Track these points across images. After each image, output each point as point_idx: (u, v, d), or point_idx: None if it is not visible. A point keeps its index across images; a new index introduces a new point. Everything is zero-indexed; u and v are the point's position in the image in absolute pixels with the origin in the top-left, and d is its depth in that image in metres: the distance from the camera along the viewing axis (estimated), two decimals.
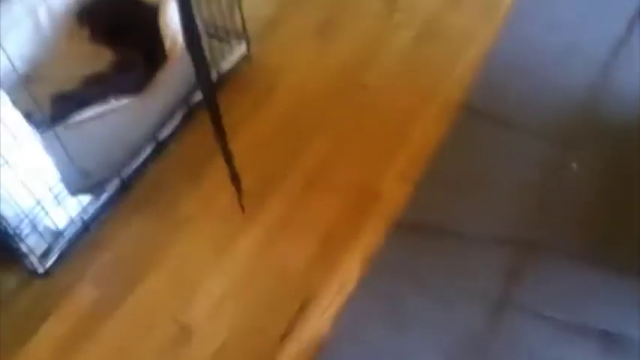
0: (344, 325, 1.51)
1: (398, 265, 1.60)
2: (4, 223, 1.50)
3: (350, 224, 1.68)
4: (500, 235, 1.65)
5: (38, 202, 1.56)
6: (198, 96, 1.94)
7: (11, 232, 1.53)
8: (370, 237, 1.65)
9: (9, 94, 1.47)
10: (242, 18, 2.02)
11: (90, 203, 1.72)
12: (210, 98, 1.57)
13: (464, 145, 1.85)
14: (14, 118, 1.48)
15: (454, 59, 2.05)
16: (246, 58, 2.09)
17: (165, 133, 1.89)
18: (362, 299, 1.55)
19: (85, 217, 1.71)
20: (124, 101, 1.75)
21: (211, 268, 1.66)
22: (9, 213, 1.51)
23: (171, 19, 1.91)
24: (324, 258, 1.63)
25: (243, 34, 2.06)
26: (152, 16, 1.95)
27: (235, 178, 1.67)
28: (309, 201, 1.76)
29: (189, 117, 1.93)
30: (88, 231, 1.72)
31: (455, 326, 1.51)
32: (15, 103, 1.47)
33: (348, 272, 1.60)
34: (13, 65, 1.48)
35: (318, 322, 1.53)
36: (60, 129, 1.61)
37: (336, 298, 1.56)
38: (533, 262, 1.60)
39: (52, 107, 1.78)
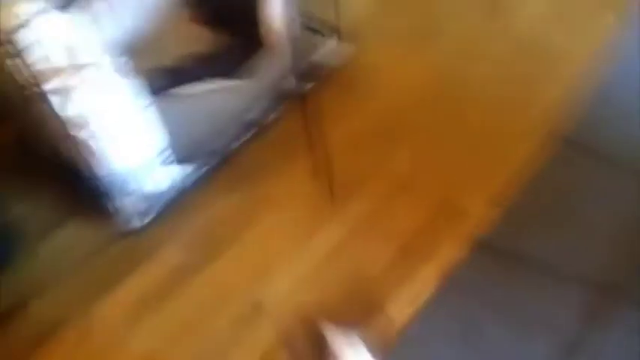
0: (411, 339, 1.51)
1: (475, 288, 1.58)
2: (112, 178, 1.60)
3: (431, 237, 1.68)
4: (585, 274, 1.59)
5: (145, 164, 1.64)
6: (289, 85, 1.97)
7: (117, 186, 1.62)
8: (449, 253, 1.64)
9: None
10: (337, 13, 2.01)
11: (190, 172, 1.80)
12: (301, 88, 1.60)
13: (560, 176, 1.78)
14: (125, 85, 1.56)
15: (552, 77, 1.99)
16: (340, 54, 2.08)
17: (263, 115, 1.93)
18: (434, 316, 1.54)
19: (183, 185, 1.79)
20: (225, 82, 1.80)
21: (289, 253, 1.71)
22: (119, 169, 1.60)
23: (270, 7, 1.94)
24: (399, 267, 1.63)
25: (338, 30, 2.05)
26: (252, 3, 1.99)
27: (326, 170, 1.71)
28: (393, 206, 1.76)
29: (284, 103, 1.96)
30: (184, 197, 1.81)
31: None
32: None
33: (423, 286, 1.60)
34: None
35: (384, 331, 1.54)
36: (165, 100, 1.68)
37: (406, 309, 1.56)
38: (614, 309, 1.53)
39: (156, 80, 1.86)
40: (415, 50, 2.12)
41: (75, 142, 1.46)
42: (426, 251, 1.65)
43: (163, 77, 1.84)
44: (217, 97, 1.78)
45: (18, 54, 1.21)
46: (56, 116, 1.39)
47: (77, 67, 1.40)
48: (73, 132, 1.44)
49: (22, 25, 1.20)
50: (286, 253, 1.71)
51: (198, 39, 2.04)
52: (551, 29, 2.11)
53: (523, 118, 1.90)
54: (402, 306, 1.57)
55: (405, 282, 1.60)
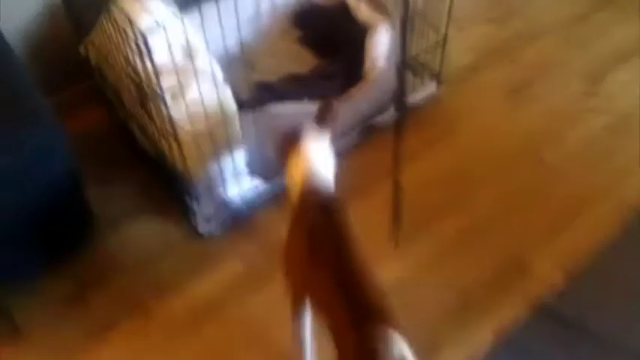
0: None
1: (531, 351, 1.57)
2: (189, 183, 1.66)
3: (493, 290, 1.68)
4: None
5: (222, 172, 1.70)
6: (378, 119, 2.02)
7: (192, 191, 1.68)
8: (510, 311, 1.64)
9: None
10: (442, 59, 2.08)
11: (261, 186, 1.85)
12: (400, 125, 1.64)
13: (633, 251, 1.78)
14: (225, 94, 1.63)
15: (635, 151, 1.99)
16: (434, 97, 2.14)
17: (343, 144, 1.98)
18: None
19: (252, 198, 1.84)
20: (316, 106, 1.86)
21: None
22: (197, 175, 1.66)
23: (378, 43, 2.02)
24: (456, 316, 1.64)
25: (438, 75, 2.12)
26: (360, 35, 2.06)
27: (398, 209, 1.74)
28: (457, 253, 1.78)
29: (366, 136, 2.02)
30: (251, 211, 1.85)
31: None
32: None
33: (478, 338, 1.60)
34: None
35: None
36: (258, 114, 1.75)
37: None
38: None
39: (254, 93, 1.93)
40: (506, 104, 2.16)
41: (176, 141, 1.53)
42: (486, 304, 1.65)
43: (261, 92, 1.91)
44: (307, 120, 1.84)
45: (146, 53, 1.29)
46: (167, 114, 1.46)
47: (192, 71, 1.48)
48: (177, 130, 1.51)
49: (155, 28, 1.28)
50: None
51: (301, 60, 2.12)
52: None
53: (605, 192, 1.91)
54: (455, 357, 1.56)
55: (461, 332, 1.60)
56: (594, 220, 1.84)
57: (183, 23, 1.42)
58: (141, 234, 1.83)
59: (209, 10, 1.58)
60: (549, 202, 1.88)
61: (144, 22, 1.32)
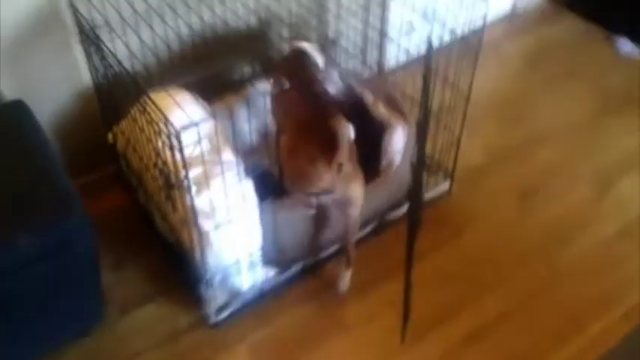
0: None
1: None
2: (203, 269, 1.70)
3: None
4: None
5: (237, 261, 1.75)
6: (391, 215, 2.08)
7: (206, 278, 1.72)
8: None
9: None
10: (455, 159, 2.16)
11: (272, 276, 1.88)
12: (414, 223, 1.70)
13: (634, 358, 1.78)
14: (247, 185, 1.71)
15: None
16: (445, 195, 2.21)
17: (358, 238, 2.03)
18: None
19: (264, 288, 1.88)
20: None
21: None
22: (212, 261, 1.70)
23: (395, 141, 2.10)
24: None
25: (452, 174, 2.19)
26: (376, 132, 2.15)
27: (408, 307, 1.75)
28: (464, 354, 1.78)
29: (378, 231, 2.07)
30: (262, 300, 1.88)
31: None
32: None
33: None
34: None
35: None
36: (276, 205, 1.81)
37: None
38: None
39: (263, 184, 1.99)
40: (516, 206, 2.21)
41: (195, 230, 1.59)
42: None
43: (274, 183, 1.99)
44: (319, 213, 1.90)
45: (178, 148, 1.38)
46: (191, 204, 1.53)
47: (217, 163, 1.56)
48: (198, 220, 1.57)
49: (190, 126, 1.37)
50: None
51: None
52: None
53: (614, 299, 1.93)
54: None
55: None
56: (603, 326, 1.84)
57: (214, 118, 1.51)
58: (150, 320, 1.85)
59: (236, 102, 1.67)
60: (558, 307, 1.90)
61: (177, 118, 1.41)
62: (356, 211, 1.81)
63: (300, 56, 1.88)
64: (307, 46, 1.91)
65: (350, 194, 1.74)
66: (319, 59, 1.89)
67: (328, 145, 1.60)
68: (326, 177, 1.63)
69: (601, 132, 2.48)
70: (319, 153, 1.62)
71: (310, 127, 1.67)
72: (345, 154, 1.61)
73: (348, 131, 1.62)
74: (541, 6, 3.15)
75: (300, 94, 1.77)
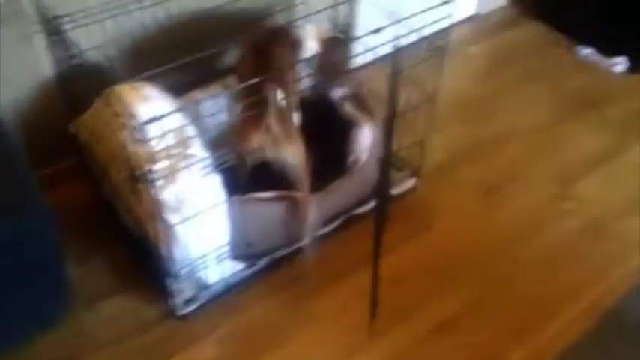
0: None
1: None
2: (170, 263, 1.68)
3: None
4: None
5: (203, 255, 1.73)
6: (359, 210, 2.09)
7: (173, 272, 1.70)
8: None
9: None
10: (421, 157, 2.18)
11: (241, 270, 1.87)
12: (381, 219, 1.72)
13: (595, 351, 1.82)
14: (214, 179, 1.69)
15: (614, 264, 2.05)
16: (412, 192, 2.23)
17: (322, 232, 2.04)
18: None
19: (232, 281, 1.86)
20: (300, 194, 1.93)
21: None
22: (178, 256, 1.69)
23: (362, 138, 2.12)
24: None
25: (418, 171, 2.22)
26: (343, 130, 2.17)
27: (375, 300, 1.77)
28: (431, 346, 1.80)
29: (346, 226, 2.08)
30: (229, 293, 1.87)
31: None
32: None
33: None
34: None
35: None
36: (243, 201, 1.80)
37: None
38: None
39: (232, 178, 1.98)
40: (481, 202, 2.24)
41: (162, 223, 1.57)
42: None
43: (243, 177, 1.98)
44: (289, 206, 1.90)
45: (145, 141, 1.36)
46: (155, 197, 1.51)
47: (184, 157, 1.55)
48: (164, 214, 1.55)
49: (155, 120, 1.35)
50: None
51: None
52: (624, 220, 2.20)
53: (577, 293, 1.96)
54: None
55: None
56: (565, 320, 1.88)
57: (179, 112, 1.50)
58: (116, 312, 1.82)
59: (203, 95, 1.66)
60: (522, 301, 1.93)
61: (142, 111, 1.39)
62: (297, 176, 1.86)
63: (282, 33, 1.96)
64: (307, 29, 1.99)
65: (282, 156, 1.81)
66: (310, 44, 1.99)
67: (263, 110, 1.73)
68: (253, 137, 1.75)
69: (562, 132, 2.55)
70: (254, 116, 1.74)
71: (253, 93, 1.73)
72: (274, 118, 1.73)
73: (275, 96, 1.73)
74: (504, 10, 3.22)
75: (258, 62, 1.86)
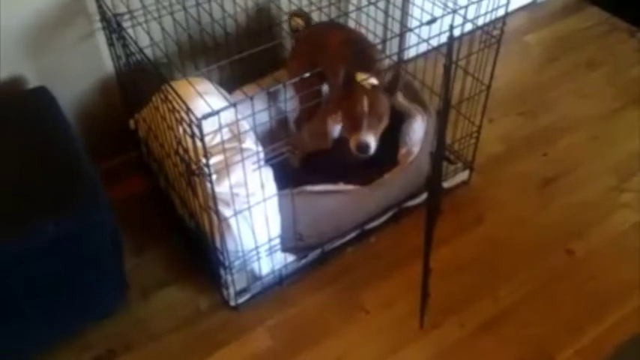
0: None
1: None
2: (224, 255, 1.72)
3: None
4: None
5: (256, 247, 1.77)
6: (411, 203, 2.09)
7: (226, 263, 1.74)
8: None
9: None
10: (475, 149, 2.16)
11: (291, 262, 1.91)
12: (433, 212, 1.71)
13: None
14: (267, 173, 1.72)
15: None
16: (465, 184, 2.21)
17: (372, 224, 2.05)
18: None
19: (284, 273, 1.90)
20: (351, 187, 1.94)
21: None
22: (231, 247, 1.73)
23: (414, 130, 2.11)
24: None
25: (471, 164, 2.19)
26: (395, 122, 2.15)
27: (426, 293, 1.77)
28: (482, 341, 1.79)
29: (396, 219, 2.08)
30: (281, 285, 1.91)
31: None
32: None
33: None
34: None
35: None
36: (295, 194, 1.83)
37: None
38: None
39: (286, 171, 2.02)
40: (536, 195, 2.20)
41: (215, 216, 1.61)
42: None
43: (298, 170, 2.01)
44: (339, 199, 1.92)
45: (199, 136, 1.40)
46: (210, 190, 1.55)
47: (238, 151, 1.58)
48: (218, 207, 1.59)
49: (210, 115, 1.38)
50: None
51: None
52: None
53: (629, 283, 1.92)
54: None
55: None
56: (620, 316, 1.84)
57: (234, 107, 1.52)
58: (171, 303, 1.88)
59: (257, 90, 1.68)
60: (576, 296, 1.89)
61: (199, 107, 1.43)
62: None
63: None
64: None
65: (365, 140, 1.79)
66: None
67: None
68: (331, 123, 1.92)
69: (621, 123, 2.46)
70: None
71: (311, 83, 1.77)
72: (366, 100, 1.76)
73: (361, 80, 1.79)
74: None
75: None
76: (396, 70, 1.84)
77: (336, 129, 1.96)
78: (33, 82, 1.91)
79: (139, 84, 1.84)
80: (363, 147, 1.76)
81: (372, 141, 1.77)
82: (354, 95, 1.76)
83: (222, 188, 1.61)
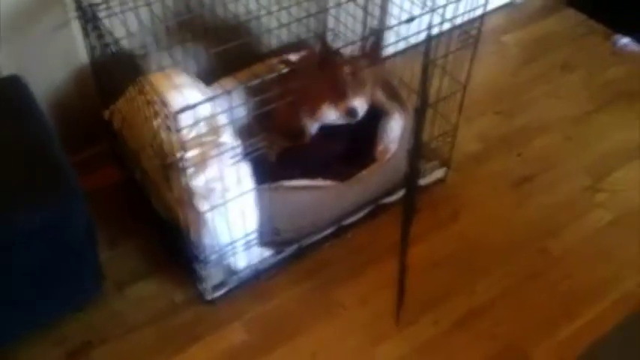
0: None
1: None
2: (199, 248, 1.71)
3: None
4: None
5: (232, 242, 1.75)
6: (388, 199, 2.09)
7: (201, 257, 1.73)
8: None
9: None
10: (451, 147, 2.17)
11: (268, 257, 1.90)
12: (409, 209, 1.71)
13: (627, 342, 1.79)
14: (244, 167, 1.71)
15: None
16: (441, 182, 2.22)
17: (349, 220, 2.04)
18: None
19: (260, 268, 1.89)
20: (329, 183, 1.94)
21: None
22: (207, 242, 1.71)
23: (392, 128, 2.12)
24: None
25: (447, 161, 2.21)
26: (373, 119, 2.16)
27: (402, 289, 1.77)
28: (456, 338, 1.80)
29: (373, 215, 2.08)
30: (257, 280, 1.90)
31: None
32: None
33: None
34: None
35: None
36: (272, 189, 1.82)
37: None
38: None
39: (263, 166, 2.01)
40: (511, 194, 2.22)
41: (192, 210, 1.60)
42: None
43: (275, 166, 2.00)
44: (316, 194, 1.91)
45: (177, 129, 1.38)
46: (186, 184, 1.53)
47: (214, 145, 1.56)
48: (194, 201, 1.58)
49: (187, 109, 1.37)
50: None
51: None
52: None
53: (607, 286, 1.94)
54: None
55: None
56: (595, 313, 1.86)
57: (210, 101, 1.51)
58: (146, 296, 1.86)
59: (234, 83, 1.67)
60: (551, 294, 1.92)
61: (174, 100, 1.41)
62: None
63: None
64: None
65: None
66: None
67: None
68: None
69: (596, 124, 2.50)
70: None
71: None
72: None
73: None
74: None
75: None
76: (375, 37, 1.85)
77: (313, 125, 1.96)
78: (5, 70, 1.87)
79: (115, 75, 1.81)
80: (352, 111, 1.86)
81: (358, 105, 1.86)
82: (334, 66, 1.84)
83: (198, 182, 1.60)
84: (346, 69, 1.83)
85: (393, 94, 2.20)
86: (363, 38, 1.96)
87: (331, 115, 1.98)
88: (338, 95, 1.88)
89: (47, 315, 1.72)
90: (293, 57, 2.17)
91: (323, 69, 1.87)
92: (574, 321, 1.84)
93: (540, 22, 3.03)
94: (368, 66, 1.87)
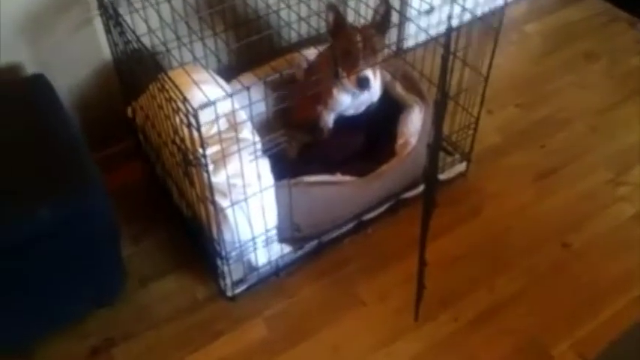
0: None
1: None
2: (220, 245, 1.72)
3: None
4: None
5: (252, 238, 1.77)
6: (408, 194, 2.09)
7: (223, 253, 1.74)
8: None
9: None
10: (473, 141, 2.15)
11: (288, 253, 1.91)
12: (429, 204, 1.70)
13: None
14: (263, 164, 1.72)
15: None
16: (462, 176, 2.21)
17: (369, 216, 2.04)
18: None
19: (280, 264, 1.90)
20: (348, 178, 1.94)
21: (365, 357, 1.75)
22: (228, 238, 1.73)
23: (411, 121, 2.10)
24: None
25: (468, 155, 2.19)
26: (393, 113, 2.16)
27: (421, 285, 1.77)
28: (476, 333, 1.80)
29: (394, 210, 2.08)
30: (277, 276, 1.91)
31: None
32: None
33: None
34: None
35: None
36: (292, 185, 1.82)
37: None
38: None
39: (283, 162, 2.01)
40: (533, 187, 2.20)
41: (212, 207, 1.61)
42: None
43: (294, 161, 2.00)
44: (336, 190, 1.91)
45: (196, 126, 1.39)
46: (206, 181, 1.54)
47: (235, 142, 1.57)
48: (215, 197, 1.59)
49: (207, 105, 1.38)
50: (362, 357, 1.75)
51: None
52: None
53: (630, 280, 1.92)
54: None
55: None
56: (617, 309, 1.84)
57: (231, 98, 1.52)
58: (168, 291, 1.88)
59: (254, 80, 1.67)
60: (572, 288, 1.90)
61: (195, 97, 1.42)
62: None
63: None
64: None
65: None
66: None
67: None
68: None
69: (620, 115, 2.46)
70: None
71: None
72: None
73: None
74: None
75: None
76: (385, 6, 1.85)
77: (329, 114, 1.95)
78: (30, 69, 1.90)
79: (136, 72, 1.83)
80: (363, 81, 1.84)
81: (370, 74, 1.84)
82: (346, 36, 1.84)
83: (218, 179, 1.61)
84: (358, 37, 1.83)
85: (414, 87, 2.19)
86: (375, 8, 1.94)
87: (343, 94, 1.97)
88: (349, 65, 1.86)
89: (71, 311, 1.75)
90: (312, 52, 2.17)
91: (335, 37, 1.88)
92: (596, 316, 1.83)
93: (563, 10, 2.98)
94: (379, 35, 1.86)
